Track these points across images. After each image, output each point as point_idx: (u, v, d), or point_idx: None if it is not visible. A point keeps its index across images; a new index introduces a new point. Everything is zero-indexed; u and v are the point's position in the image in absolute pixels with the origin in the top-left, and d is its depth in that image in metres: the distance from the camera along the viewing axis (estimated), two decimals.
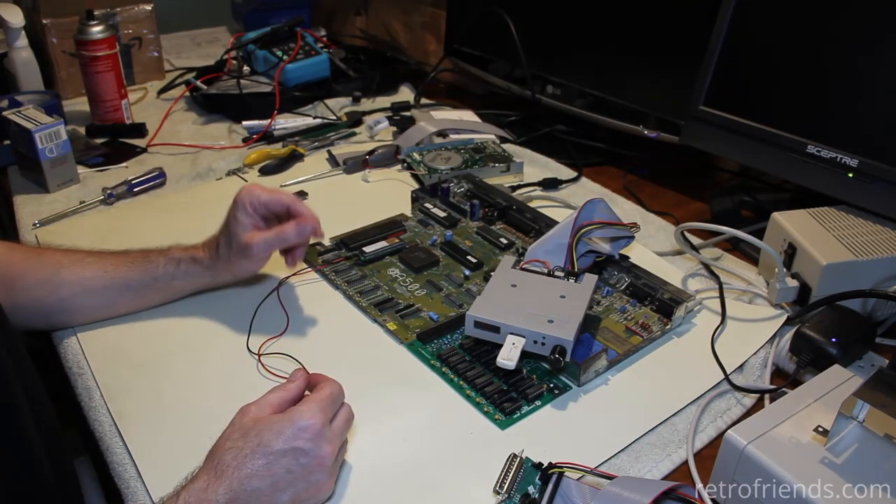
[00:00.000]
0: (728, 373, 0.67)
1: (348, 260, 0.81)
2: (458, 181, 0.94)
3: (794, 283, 0.74)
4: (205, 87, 1.28)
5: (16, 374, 0.55)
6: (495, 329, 0.63)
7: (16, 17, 1.17)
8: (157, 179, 1.01)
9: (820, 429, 0.51)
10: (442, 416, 0.61)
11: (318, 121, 1.19)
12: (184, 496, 0.48)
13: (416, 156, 1.04)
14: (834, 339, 0.64)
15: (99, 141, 1.13)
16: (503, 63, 1.25)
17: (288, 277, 0.78)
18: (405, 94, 1.38)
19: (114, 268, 0.71)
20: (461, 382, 0.64)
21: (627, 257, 0.78)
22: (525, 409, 0.62)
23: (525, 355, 0.63)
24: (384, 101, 1.31)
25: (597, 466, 0.55)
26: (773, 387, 0.66)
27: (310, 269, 0.80)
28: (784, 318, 0.74)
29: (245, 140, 1.14)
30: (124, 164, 1.07)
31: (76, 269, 0.70)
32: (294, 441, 0.50)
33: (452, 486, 0.55)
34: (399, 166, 1.06)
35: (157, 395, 0.63)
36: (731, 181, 1.08)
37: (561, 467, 0.51)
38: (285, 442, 0.50)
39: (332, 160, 1.07)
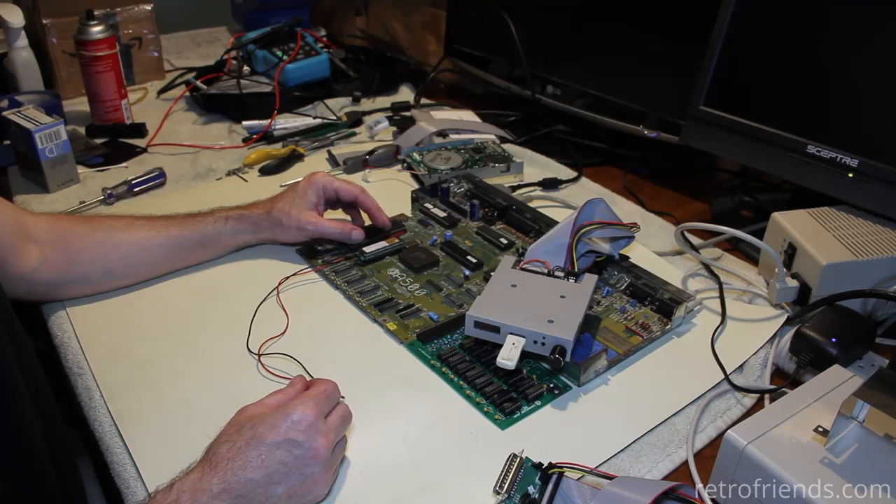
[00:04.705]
0: (728, 373, 0.67)
1: (348, 260, 0.81)
2: (458, 181, 0.94)
3: (794, 283, 0.74)
4: (205, 87, 1.28)
5: (17, 362, 0.55)
6: (495, 329, 0.63)
7: (16, 17, 1.17)
8: (157, 179, 1.01)
9: (820, 429, 0.51)
10: (442, 416, 0.61)
11: (318, 121, 1.19)
12: (178, 486, 0.48)
13: (416, 156, 1.04)
14: (834, 339, 0.64)
15: (99, 141, 1.13)
16: (503, 63, 1.25)
17: (288, 277, 0.78)
18: (405, 94, 1.38)
19: (165, 228, 0.77)
20: (461, 382, 0.64)
21: (627, 257, 0.78)
22: (525, 409, 0.62)
23: (525, 355, 0.63)
24: (384, 101, 1.31)
25: (597, 466, 0.55)
26: (773, 387, 0.66)
27: (310, 269, 0.80)
28: (784, 318, 0.74)
29: (245, 140, 1.14)
30: (124, 164, 1.07)
31: (130, 230, 0.75)
32: (288, 433, 0.50)
33: (452, 486, 0.55)
34: (399, 166, 1.06)
35: (157, 395, 0.63)
36: (731, 181, 1.08)
37: (561, 467, 0.51)
38: (279, 434, 0.50)
39: (332, 160, 1.07)
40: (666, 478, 0.57)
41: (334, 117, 1.23)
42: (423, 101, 1.33)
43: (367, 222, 0.86)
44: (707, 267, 0.83)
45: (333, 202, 0.85)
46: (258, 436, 0.50)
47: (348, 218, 0.88)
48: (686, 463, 0.58)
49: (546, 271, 0.71)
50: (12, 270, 0.68)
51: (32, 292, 0.73)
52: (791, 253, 0.77)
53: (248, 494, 0.48)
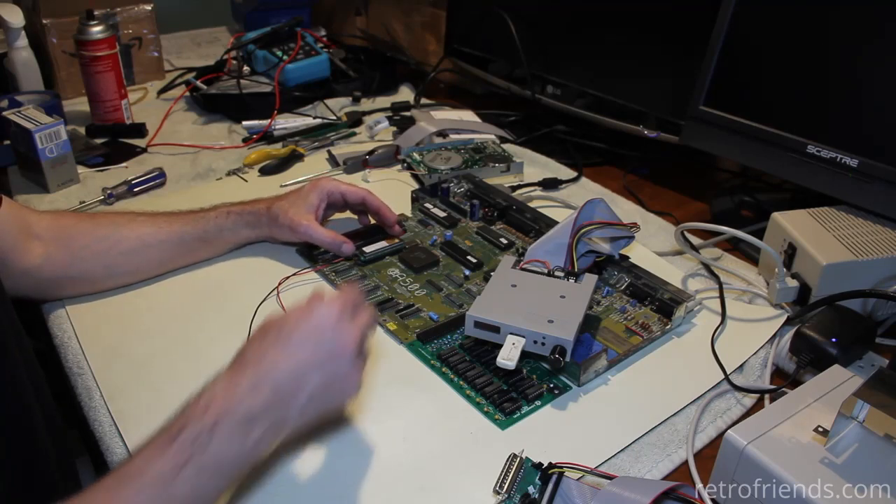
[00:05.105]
0: (728, 373, 0.67)
1: (348, 260, 0.81)
2: (458, 181, 0.94)
3: (794, 283, 0.74)
4: (205, 87, 1.28)
5: (23, 362, 0.55)
6: (495, 329, 0.63)
7: (16, 17, 1.17)
8: (157, 179, 1.01)
9: (820, 429, 0.52)
10: (442, 416, 0.61)
11: (318, 121, 1.19)
12: (209, 393, 0.47)
13: (416, 156, 1.04)
14: (834, 339, 0.64)
15: (99, 141, 1.13)
16: (503, 63, 1.25)
17: (288, 277, 0.78)
18: (405, 94, 1.38)
19: (167, 224, 0.77)
20: (461, 382, 0.64)
21: (627, 257, 0.78)
22: (525, 409, 0.62)
23: (525, 355, 0.63)
24: (384, 101, 1.31)
25: (597, 466, 0.55)
26: (773, 387, 0.66)
27: (310, 269, 0.80)
28: (784, 318, 0.74)
29: (245, 140, 1.14)
30: (124, 164, 1.07)
31: (133, 226, 0.75)
32: (314, 330, 0.50)
33: (452, 486, 0.55)
34: (399, 166, 1.06)
35: (157, 395, 0.63)
36: (731, 181, 1.08)
37: (561, 467, 0.51)
38: (305, 331, 0.50)
39: (332, 160, 1.07)
40: (666, 478, 0.57)
41: (334, 117, 1.23)
42: (423, 101, 1.33)
43: (373, 223, 0.87)
44: (707, 267, 0.83)
45: (340, 206, 0.85)
46: (284, 335, 0.50)
47: (355, 218, 0.88)
48: (686, 463, 0.58)
49: (546, 271, 0.71)
50: (15, 267, 0.68)
51: (35, 289, 0.73)
52: (791, 253, 0.77)
53: (280, 388, 0.48)
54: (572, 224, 0.74)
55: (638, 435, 0.60)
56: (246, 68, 1.30)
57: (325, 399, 0.51)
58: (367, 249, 0.81)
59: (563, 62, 1.15)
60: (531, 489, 0.52)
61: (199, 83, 1.29)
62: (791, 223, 0.78)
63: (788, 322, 0.73)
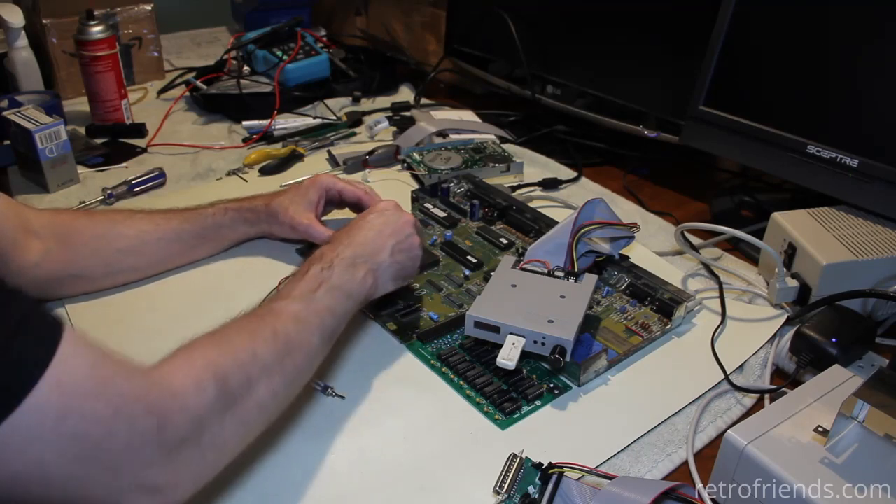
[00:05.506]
0: (728, 373, 0.67)
1: None
2: (458, 181, 0.94)
3: (794, 283, 0.74)
4: (205, 87, 1.28)
5: None
6: (495, 329, 0.63)
7: (16, 17, 1.17)
8: (157, 179, 1.01)
9: (820, 429, 0.52)
10: (442, 416, 0.61)
11: (318, 121, 1.19)
12: (319, 252, 0.63)
13: (416, 156, 1.04)
14: (834, 339, 0.64)
15: (99, 141, 1.13)
16: (503, 63, 1.25)
17: (287, 277, 0.78)
18: (405, 94, 1.38)
19: (165, 221, 0.77)
20: (461, 382, 0.64)
21: (627, 257, 0.78)
22: (525, 409, 0.62)
23: (525, 355, 0.63)
24: (384, 101, 1.31)
25: (597, 466, 0.55)
26: (773, 387, 0.66)
27: None
28: (784, 318, 0.74)
29: (245, 140, 1.14)
30: (124, 164, 1.07)
31: (130, 223, 0.76)
32: (382, 212, 0.68)
33: (452, 486, 0.55)
34: (399, 166, 1.06)
35: None
36: (731, 181, 1.08)
37: (561, 467, 0.51)
38: (374, 216, 0.68)
39: (332, 160, 1.07)
40: (666, 478, 0.57)
41: (334, 117, 1.23)
42: (423, 101, 1.33)
43: None
44: (707, 267, 0.83)
45: (338, 203, 0.85)
46: (360, 223, 0.67)
47: (356, 217, 0.88)
48: (686, 463, 0.58)
49: (546, 271, 0.71)
50: (14, 264, 0.68)
51: (34, 287, 0.72)
52: (791, 253, 0.77)
53: (370, 244, 0.65)
54: (572, 224, 0.74)
55: (638, 435, 0.60)
56: (246, 68, 1.30)
57: (402, 256, 0.67)
58: None
59: (563, 62, 1.15)
60: (531, 489, 0.52)
61: (199, 83, 1.29)
62: (791, 223, 0.78)
63: (788, 322, 0.73)
